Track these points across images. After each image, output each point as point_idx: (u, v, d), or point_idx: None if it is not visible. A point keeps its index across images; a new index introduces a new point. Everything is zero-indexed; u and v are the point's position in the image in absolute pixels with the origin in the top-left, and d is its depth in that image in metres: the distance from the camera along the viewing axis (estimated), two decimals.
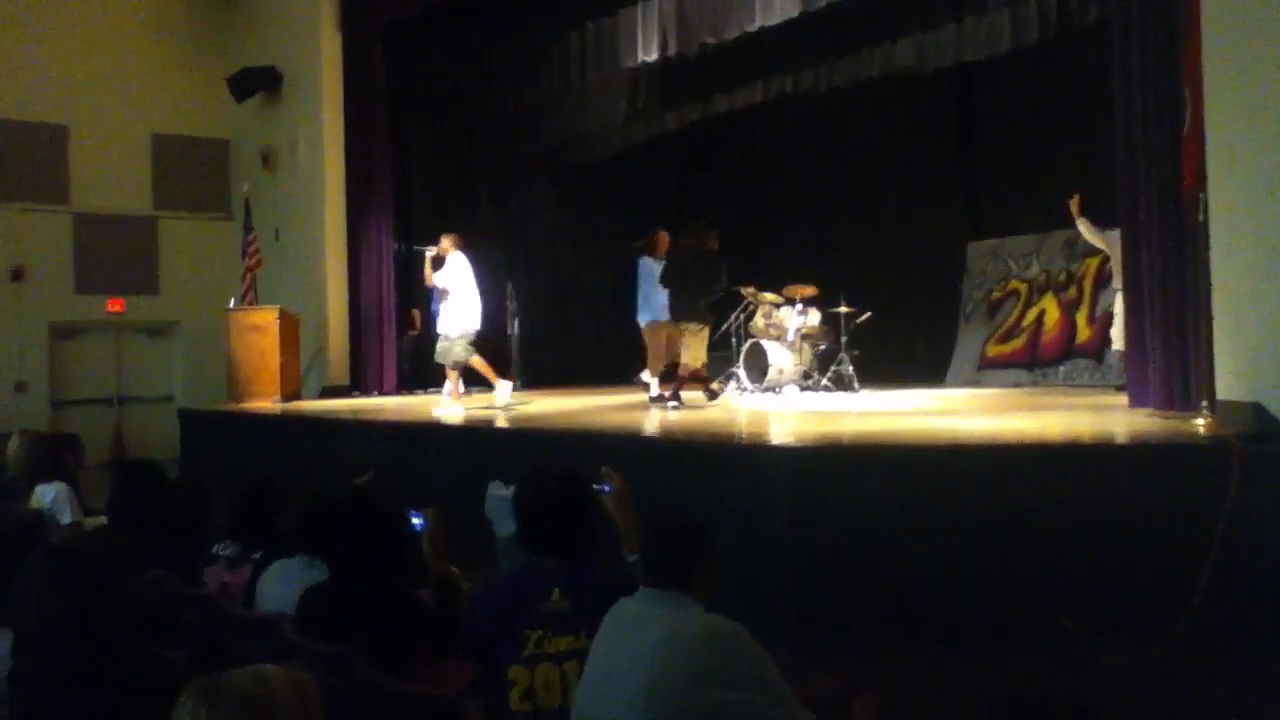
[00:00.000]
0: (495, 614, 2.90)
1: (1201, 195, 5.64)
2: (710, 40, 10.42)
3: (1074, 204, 8.38)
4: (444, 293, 9.73)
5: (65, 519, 4.81)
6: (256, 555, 4.09)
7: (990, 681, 4.15)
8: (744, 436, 6.88)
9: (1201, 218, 5.67)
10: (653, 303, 9.39)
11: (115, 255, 14.18)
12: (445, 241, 9.73)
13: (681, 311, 8.80)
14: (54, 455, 5.12)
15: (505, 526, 5.24)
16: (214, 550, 4.23)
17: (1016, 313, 10.46)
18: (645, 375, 9.62)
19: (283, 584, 3.77)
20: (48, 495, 4.79)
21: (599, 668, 2.68)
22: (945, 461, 5.52)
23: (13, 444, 6.01)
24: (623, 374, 11.31)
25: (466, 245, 9.92)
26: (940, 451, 5.74)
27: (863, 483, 5.31)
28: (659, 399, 9.04)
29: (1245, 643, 4.61)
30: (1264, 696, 4.30)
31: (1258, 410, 5.27)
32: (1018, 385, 9.99)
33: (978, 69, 10.65)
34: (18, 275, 13.55)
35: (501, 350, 13.88)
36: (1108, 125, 7.04)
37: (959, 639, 4.80)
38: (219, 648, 3.37)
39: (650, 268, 9.46)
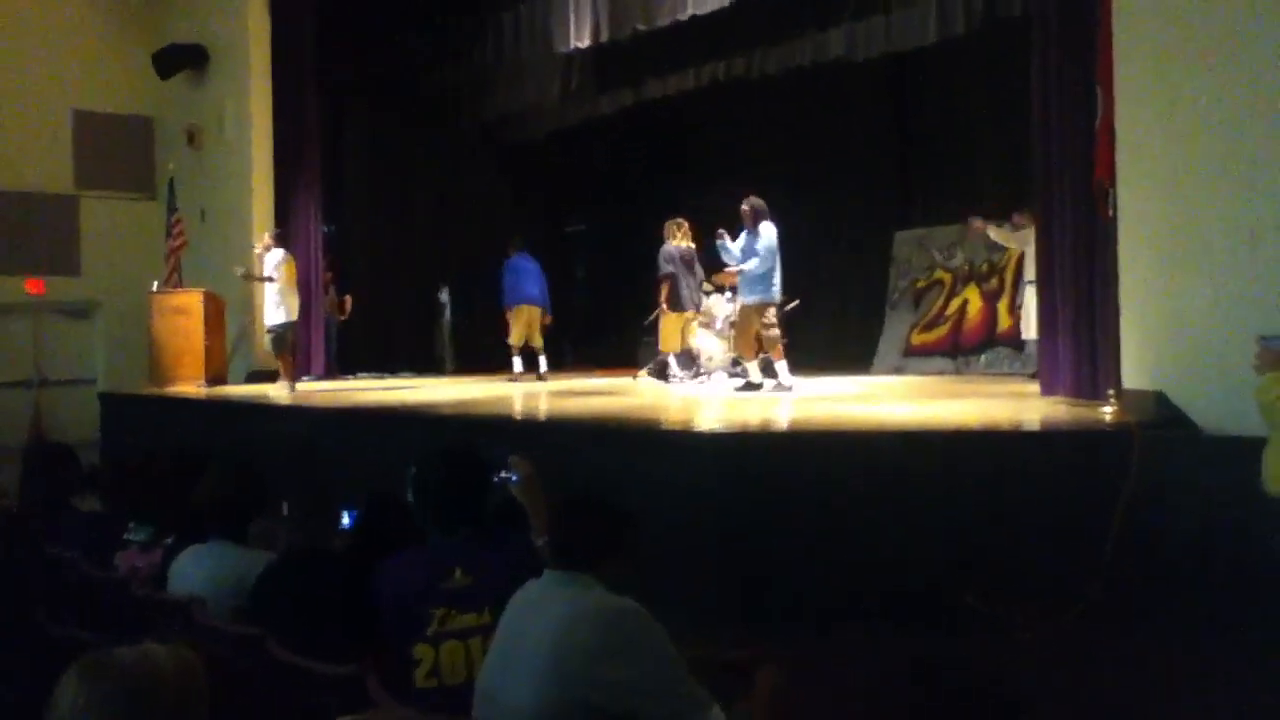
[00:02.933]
0: (399, 593, 2.93)
1: (1110, 190, 5.80)
2: (642, 27, 10.47)
3: (977, 226, 8.67)
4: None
5: None
6: (168, 540, 4.07)
7: (899, 655, 4.27)
8: (671, 423, 6.96)
9: (1111, 212, 5.84)
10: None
11: (35, 234, 13.81)
12: (267, 237, 10.75)
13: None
14: None
15: None
16: (125, 535, 4.20)
17: (940, 302, 10.66)
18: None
19: (195, 567, 3.77)
20: None
21: (502, 647, 2.72)
22: (866, 445, 5.65)
23: None
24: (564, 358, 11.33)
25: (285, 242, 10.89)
26: (861, 436, 5.86)
27: (785, 466, 5.43)
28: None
29: (1145, 614, 4.79)
30: (1161, 664, 4.48)
31: (1160, 399, 5.46)
32: (941, 373, 10.19)
33: (908, 60, 10.81)
34: None
35: (435, 337, 13.88)
36: (1030, 115, 7.21)
37: (877, 615, 4.92)
38: (130, 630, 3.36)
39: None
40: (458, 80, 12.96)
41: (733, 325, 10.28)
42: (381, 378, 12.53)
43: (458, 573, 2.90)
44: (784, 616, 5.03)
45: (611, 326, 13.29)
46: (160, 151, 14.44)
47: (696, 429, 6.43)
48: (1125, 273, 5.78)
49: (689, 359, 10.42)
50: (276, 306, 10.28)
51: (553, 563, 2.76)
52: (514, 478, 3.50)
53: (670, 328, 10.10)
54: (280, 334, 10.33)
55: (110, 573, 3.92)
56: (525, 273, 11.09)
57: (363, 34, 12.87)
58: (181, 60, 13.44)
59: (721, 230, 8.66)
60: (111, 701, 1.59)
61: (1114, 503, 4.97)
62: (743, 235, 8.49)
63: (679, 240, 10.10)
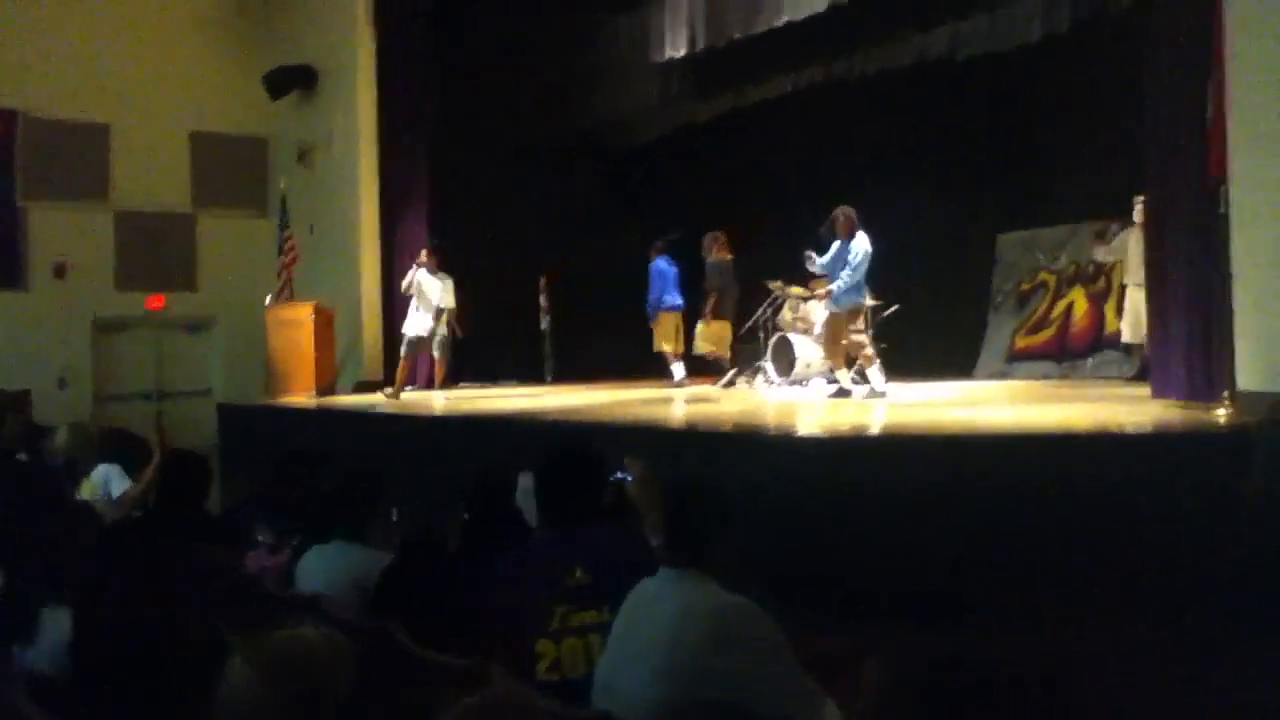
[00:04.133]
0: (521, 590, 3.04)
1: (1223, 188, 5.68)
2: (738, 35, 10.52)
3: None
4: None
5: (116, 491, 4.99)
6: (294, 542, 4.26)
7: (996, 662, 4.22)
8: (771, 427, 7.00)
9: (1223, 209, 5.71)
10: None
11: (155, 252, 14.44)
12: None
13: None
14: (107, 447, 5.33)
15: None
16: (255, 537, 4.42)
17: (1045, 304, 10.47)
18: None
19: (320, 567, 3.94)
20: (101, 475, 4.99)
21: (620, 643, 2.81)
22: (969, 451, 5.60)
23: (61, 435, 6.24)
24: (652, 367, 11.39)
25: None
26: (963, 441, 5.82)
27: (888, 472, 5.41)
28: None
29: (1260, 631, 4.64)
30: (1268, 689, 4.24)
31: (1277, 401, 5.31)
32: (1046, 377, 10.01)
33: (1010, 58, 10.63)
34: (60, 272, 13.84)
35: (534, 345, 14.08)
36: (1137, 115, 7.08)
37: (978, 621, 4.87)
38: (265, 625, 3.52)
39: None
40: (558, 89, 13.15)
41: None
42: (485, 386, 12.78)
43: (578, 571, 3.00)
44: (881, 617, 5.00)
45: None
46: (272, 170, 14.97)
47: (796, 433, 6.47)
48: (1239, 271, 5.64)
49: (787, 365, 10.43)
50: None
51: (667, 560, 2.84)
52: (629, 477, 3.60)
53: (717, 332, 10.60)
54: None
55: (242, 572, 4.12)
56: (672, 277, 10.99)
57: (466, 46, 13.16)
58: (291, 81, 13.93)
59: (809, 252, 8.68)
60: (273, 677, 1.72)
61: (1232, 509, 4.85)
62: (834, 245, 8.52)
63: (719, 254, 10.60)
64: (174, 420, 14.27)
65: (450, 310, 11.22)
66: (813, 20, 9.85)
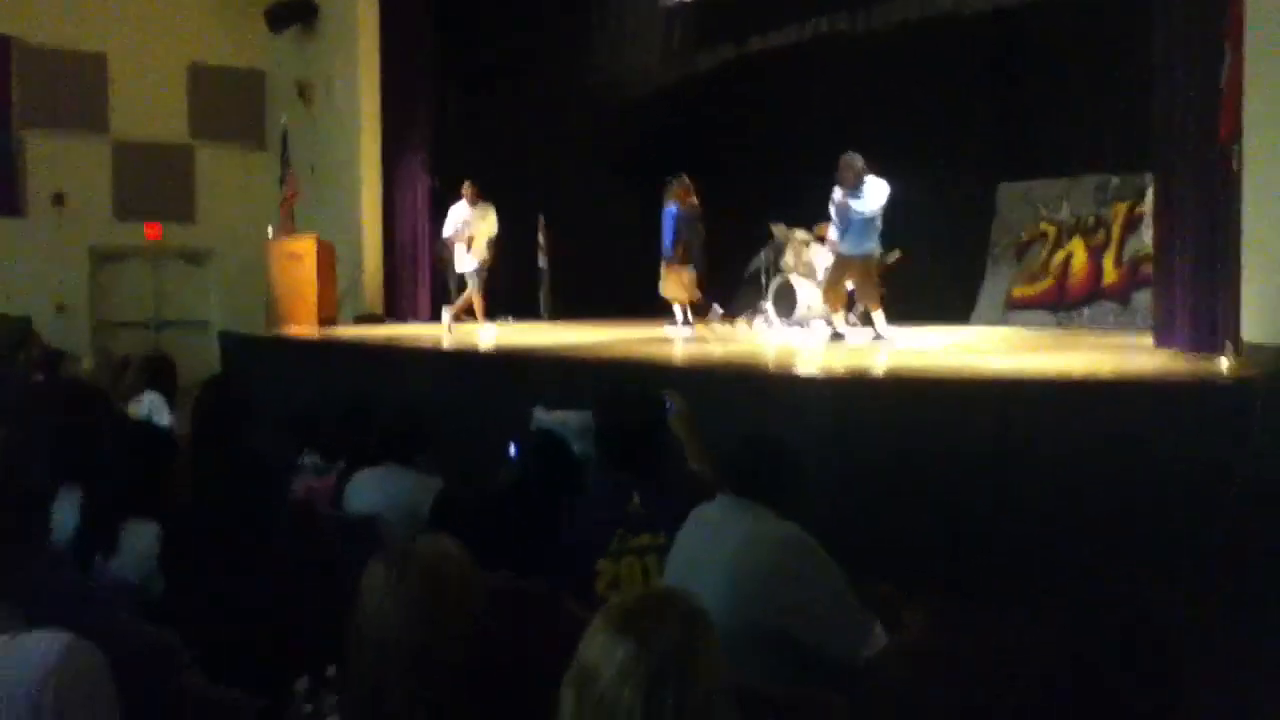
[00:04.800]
0: (587, 523, 3.21)
1: (1236, 146, 5.81)
2: None
3: None
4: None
5: (161, 419, 5.10)
6: (341, 465, 4.40)
7: (1003, 624, 4.34)
8: (780, 368, 7.14)
9: (1236, 167, 5.85)
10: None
11: (152, 183, 14.41)
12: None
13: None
14: (153, 374, 5.42)
15: None
16: (299, 461, 4.55)
17: (1044, 255, 10.63)
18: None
19: (372, 489, 4.09)
20: (144, 404, 5.09)
21: (681, 565, 2.97)
22: (967, 396, 5.66)
23: (88, 362, 6.34)
24: (647, 307, 11.46)
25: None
26: (963, 386, 5.90)
27: (887, 415, 5.49)
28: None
29: (1258, 589, 4.64)
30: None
31: None
32: (1042, 326, 10.19)
33: (1014, 11, 10.68)
34: (58, 200, 13.81)
35: (531, 283, 14.16)
36: (1141, 69, 7.17)
37: (970, 578, 4.95)
38: (317, 548, 3.67)
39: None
40: (561, 34, 13.11)
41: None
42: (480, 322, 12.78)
43: (635, 499, 3.18)
44: (896, 568, 5.10)
45: (711, 278, 13.41)
46: (271, 104, 14.89)
47: (807, 374, 6.61)
48: (1249, 225, 5.79)
49: (789, 308, 10.58)
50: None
51: (729, 487, 3.00)
52: (671, 408, 3.79)
53: (676, 281, 10.55)
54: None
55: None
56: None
57: None
58: (292, 15, 13.82)
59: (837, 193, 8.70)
60: (415, 583, 1.85)
61: (1233, 460, 4.93)
62: (835, 191, 8.53)
63: (685, 200, 10.59)
64: (172, 350, 14.29)
65: (492, 238, 11.22)
66: None
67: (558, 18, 12.87)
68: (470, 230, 11.09)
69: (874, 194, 8.38)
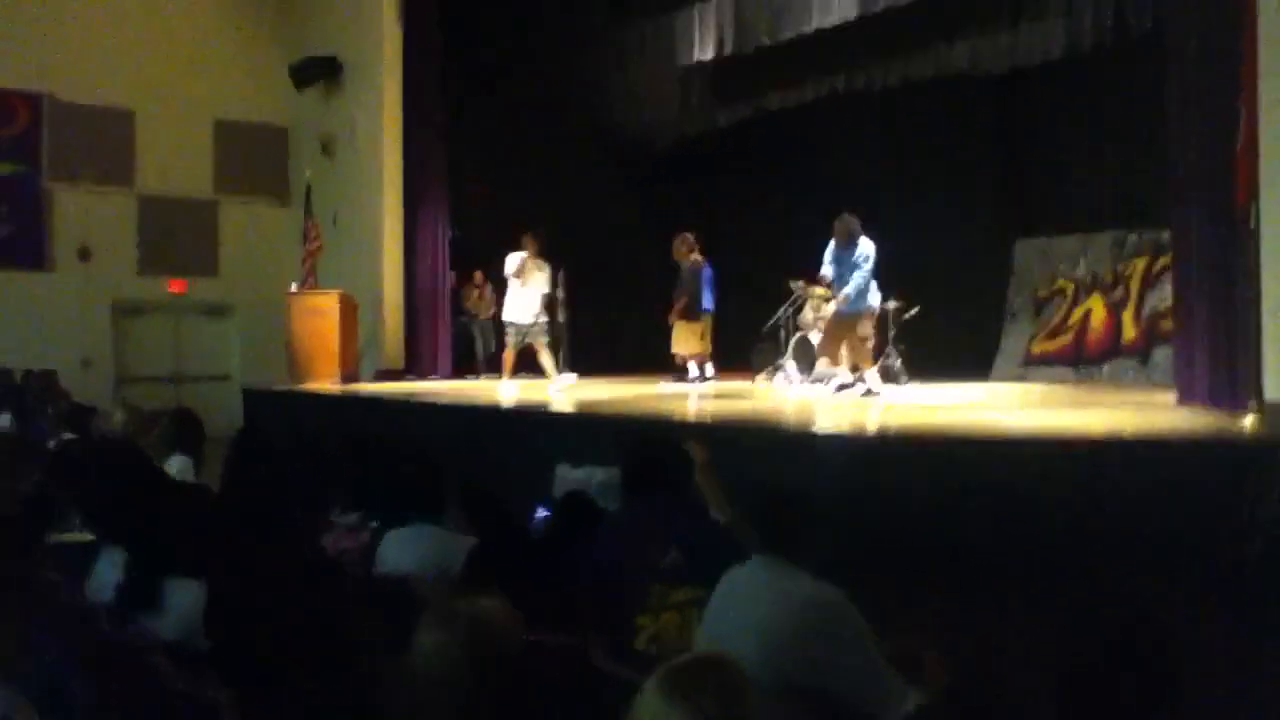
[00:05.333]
0: (619, 570, 3.24)
1: (1254, 203, 5.88)
2: (766, 41, 10.72)
3: None
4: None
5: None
6: (374, 523, 4.43)
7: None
8: (796, 426, 7.17)
9: (1253, 225, 5.91)
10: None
11: (177, 237, 14.61)
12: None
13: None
14: (180, 431, 5.48)
15: None
16: (332, 518, 4.58)
17: (1063, 311, 10.67)
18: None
19: (403, 549, 4.12)
20: (174, 466, 5.15)
21: (715, 624, 3.00)
22: (988, 453, 5.67)
23: (119, 418, 6.41)
24: (668, 363, 11.55)
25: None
26: (985, 443, 5.91)
27: (906, 471, 5.51)
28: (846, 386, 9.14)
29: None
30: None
31: None
32: (1062, 382, 10.22)
33: (1029, 70, 10.82)
34: (84, 255, 14.01)
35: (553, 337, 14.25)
36: (1157, 127, 7.27)
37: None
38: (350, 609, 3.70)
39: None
40: (582, 88, 13.33)
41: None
42: (495, 378, 12.86)
43: (673, 551, 3.21)
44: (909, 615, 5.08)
45: (729, 331, 13.49)
46: (294, 159, 15.12)
47: (825, 432, 6.65)
48: (1268, 281, 5.84)
49: (808, 364, 10.63)
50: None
51: (758, 547, 3.04)
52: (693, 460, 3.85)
53: (687, 334, 10.80)
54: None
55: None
56: (713, 279, 11.18)
57: (488, 44, 13.32)
58: (316, 72, 14.07)
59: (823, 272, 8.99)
60: (467, 640, 1.91)
61: (1252, 517, 4.93)
62: (830, 250, 8.81)
63: (691, 255, 10.84)
64: (194, 403, 14.40)
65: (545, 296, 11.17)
66: (840, 29, 10.05)
67: (580, 71, 13.09)
68: (528, 276, 10.93)
69: (860, 255, 8.61)
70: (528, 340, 10.93)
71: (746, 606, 2.94)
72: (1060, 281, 10.82)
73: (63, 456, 4.62)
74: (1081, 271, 10.66)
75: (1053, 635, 4.29)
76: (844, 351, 9.11)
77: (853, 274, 8.62)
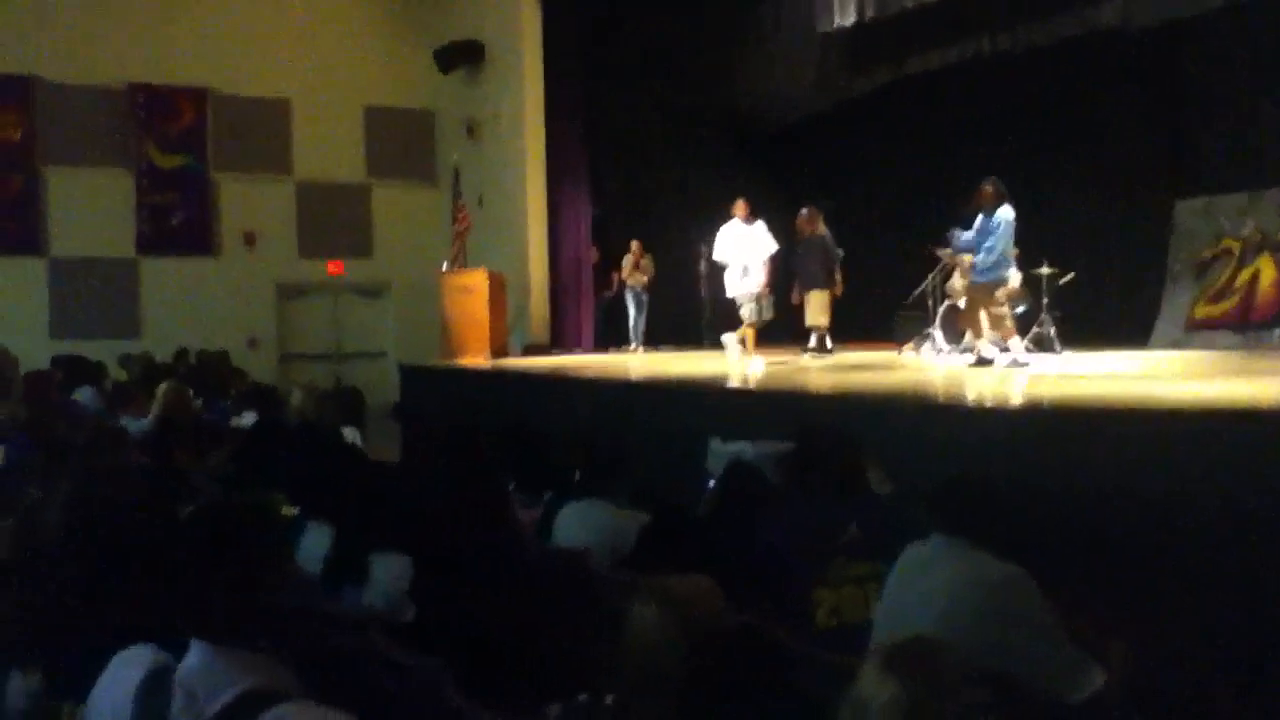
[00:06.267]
0: (798, 545, 3.33)
1: None
2: (908, 4, 10.54)
3: None
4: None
5: None
6: (547, 497, 4.62)
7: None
8: (947, 398, 7.06)
9: None
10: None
11: (333, 221, 15.25)
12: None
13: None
14: (349, 406, 5.80)
15: None
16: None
17: (1228, 273, 10.21)
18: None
19: (578, 523, 4.30)
20: (346, 438, 5.45)
21: (895, 602, 3.06)
22: (1149, 429, 5.40)
23: (297, 397, 6.79)
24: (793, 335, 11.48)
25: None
26: (1145, 418, 5.59)
27: (1061, 448, 5.33)
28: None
29: None
30: None
31: None
32: (1227, 349, 9.81)
33: (1182, 22, 10.38)
34: (249, 240, 14.75)
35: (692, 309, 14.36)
36: None
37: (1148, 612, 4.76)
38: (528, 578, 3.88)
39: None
40: (718, 64, 13.33)
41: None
42: (636, 351, 13.01)
43: (853, 527, 3.29)
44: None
45: (866, 302, 13.36)
46: (441, 142, 15.57)
47: (977, 404, 6.56)
48: None
49: (956, 333, 10.47)
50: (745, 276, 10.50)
51: (939, 526, 3.08)
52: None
53: (822, 304, 10.54)
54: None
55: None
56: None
57: (623, 23, 13.44)
58: (460, 56, 14.44)
59: (952, 230, 8.84)
60: (681, 616, 2.04)
61: None
62: (978, 218, 8.47)
63: (816, 228, 10.56)
64: (352, 380, 15.04)
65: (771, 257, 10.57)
66: None
67: (716, 46, 13.09)
68: (743, 254, 10.50)
69: (998, 222, 8.29)
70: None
71: (927, 585, 2.98)
72: (1226, 240, 10.36)
73: (257, 437, 4.93)
74: (1248, 231, 10.19)
75: (1231, 630, 4.21)
76: (984, 322, 8.86)
77: (985, 242, 8.36)
